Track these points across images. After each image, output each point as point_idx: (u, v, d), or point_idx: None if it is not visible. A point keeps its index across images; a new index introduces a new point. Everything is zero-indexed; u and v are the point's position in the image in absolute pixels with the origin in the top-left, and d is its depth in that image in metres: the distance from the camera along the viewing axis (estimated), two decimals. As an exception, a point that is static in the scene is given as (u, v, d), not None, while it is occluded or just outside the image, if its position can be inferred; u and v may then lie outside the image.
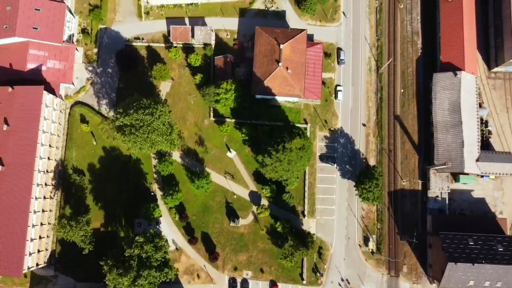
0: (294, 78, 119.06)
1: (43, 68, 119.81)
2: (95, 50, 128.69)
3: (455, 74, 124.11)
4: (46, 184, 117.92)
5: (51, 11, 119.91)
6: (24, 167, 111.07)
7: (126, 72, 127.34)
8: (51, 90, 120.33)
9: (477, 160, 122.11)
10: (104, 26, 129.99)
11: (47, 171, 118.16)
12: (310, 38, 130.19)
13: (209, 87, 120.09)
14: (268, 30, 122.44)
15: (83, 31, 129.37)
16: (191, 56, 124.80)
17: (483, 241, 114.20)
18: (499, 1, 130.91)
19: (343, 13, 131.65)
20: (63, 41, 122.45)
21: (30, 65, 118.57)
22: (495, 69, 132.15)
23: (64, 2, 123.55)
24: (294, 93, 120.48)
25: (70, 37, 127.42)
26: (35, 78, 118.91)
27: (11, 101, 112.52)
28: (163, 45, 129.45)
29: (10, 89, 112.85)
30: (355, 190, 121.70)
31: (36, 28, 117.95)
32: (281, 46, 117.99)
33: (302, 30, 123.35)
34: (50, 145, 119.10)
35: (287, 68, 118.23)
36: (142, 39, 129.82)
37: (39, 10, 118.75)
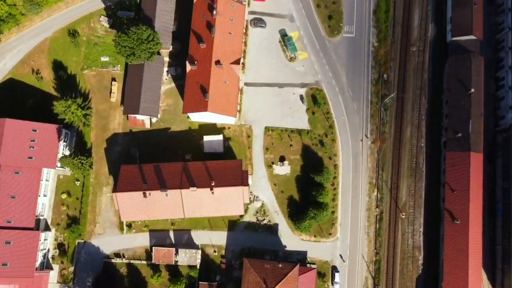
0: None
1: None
2: (72, 269, 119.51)
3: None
4: None
5: (22, 243, 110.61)
6: None
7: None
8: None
9: None
10: (82, 240, 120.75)
11: None
12: (303, 255, 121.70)
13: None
14: (257, 266, 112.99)
15: (60, 246, 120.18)
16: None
17: None
18: (509, 219, 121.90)
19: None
20: (36, 268, 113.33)
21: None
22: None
23: (38, 230, 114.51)
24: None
25: (45, 255, 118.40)
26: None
27: None
28: (145, 262, 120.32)
29: None
30: None
31: (6, 265, 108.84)
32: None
33: (295, 265, 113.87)
34: None
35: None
36: (123, 255, 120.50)
37: (9, 243, 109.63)
